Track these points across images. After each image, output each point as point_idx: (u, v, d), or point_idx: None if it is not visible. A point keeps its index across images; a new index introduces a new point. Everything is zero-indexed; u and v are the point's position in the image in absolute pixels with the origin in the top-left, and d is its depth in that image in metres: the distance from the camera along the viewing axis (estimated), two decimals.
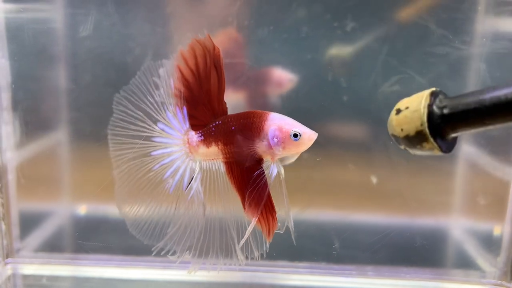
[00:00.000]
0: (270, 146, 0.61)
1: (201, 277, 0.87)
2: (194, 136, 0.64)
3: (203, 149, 0.63)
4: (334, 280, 0.85)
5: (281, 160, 0.63)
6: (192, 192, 0.64)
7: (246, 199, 0.61)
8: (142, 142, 0.65)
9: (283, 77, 0.79)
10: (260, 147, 0.61)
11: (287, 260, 0.87)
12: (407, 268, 0.86)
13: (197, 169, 0.64)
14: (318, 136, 0.63)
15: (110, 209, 0.88)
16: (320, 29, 0.78)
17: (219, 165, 0.64)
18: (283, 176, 0.63)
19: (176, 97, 0.62)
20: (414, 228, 0.87)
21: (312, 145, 0.63)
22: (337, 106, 0.80)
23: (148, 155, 0.65)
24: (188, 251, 0.65)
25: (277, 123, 0.60)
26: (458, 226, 0.88)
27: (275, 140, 0.60)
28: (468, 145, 0.85)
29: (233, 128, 0.61)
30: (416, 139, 0.43)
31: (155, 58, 0.79)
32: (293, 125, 0.61)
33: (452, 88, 0.80)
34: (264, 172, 0.61)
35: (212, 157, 0.64)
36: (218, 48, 0.61)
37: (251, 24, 0.78)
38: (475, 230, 0.88)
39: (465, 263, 0.87)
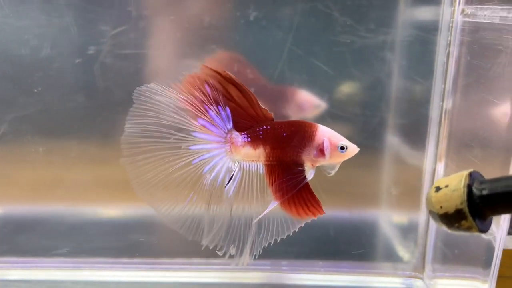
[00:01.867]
0: (317, 155, 0.65)
1: (113, 277, 0.85)
2: (238, 137, 0.65)
3: (248, 150, 0.66)
4: (248, 276, 0.84)
5: (330, 168, 0.67)
6: (232, 190, 0.66)
7: (286, 197, 0.65)
8: (177, 133, 0.65)
9: (309, 101, 0.78)
10: (308, 155, 0.65)
11: (203, 257, 0.85)
12: (324, 261, 0.84)
13: (237, 168, 0.66)
14: None
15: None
16: (223, 18, 0.75)
17: (259, 166, 0.66)
18: None
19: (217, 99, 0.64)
20: (332, 220, 0.85)
21: None
22: None
23: (187, 148, 0.65)
24: (232, 245, 0.67)
25: (327, 134, 0.65)
26: (385, 218, 0.87)
27: (327, 150, 0.65)
28: (392, 136, 0.83)
29: (284, 134, 0.65)
30: (455, 217, 0.46)
31: (53, 49, 0.77)
32: (339, 138, 0.66)
33: (359, 76, 0.78)
34: (303, 176, 0.66)
35: (253, 159, 0.66)
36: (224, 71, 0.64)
37: (149, 14, 0.75)
38: (398, 222, 0.87)
39: (387, 255, 0.86)
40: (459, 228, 0.46)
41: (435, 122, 0.77)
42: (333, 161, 0.66)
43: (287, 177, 0.65)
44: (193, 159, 0.66)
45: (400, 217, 0.87)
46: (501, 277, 0.88)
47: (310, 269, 0.84)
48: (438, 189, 0.47)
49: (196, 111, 0.64)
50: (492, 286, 0.59)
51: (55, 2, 0.75)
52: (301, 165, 0.66)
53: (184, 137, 0.65)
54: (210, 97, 0.64)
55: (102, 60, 0.76)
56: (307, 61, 0.76)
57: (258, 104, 0.65)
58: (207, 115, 0.65)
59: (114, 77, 0.78)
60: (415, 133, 0.81)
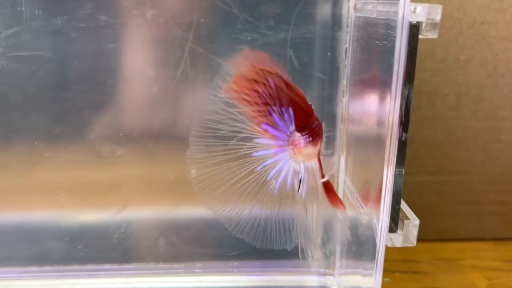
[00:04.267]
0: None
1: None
2: (301, 138, 0.63)
3: (310, 149, 0.63)
4: (161, 281, 0.82)
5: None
6: (303, 192, 0.65)
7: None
8: (236, 142, 0.63)
9: None
10: None
11: (114, 263, 0.83)
12: (238, 261, 0.83)
13: (303, 170, 0.64)
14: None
15: None
16: (120, 17, 0.73)
17: (315, 163, 0.65)
18: None
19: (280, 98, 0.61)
20: None
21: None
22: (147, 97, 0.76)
23: (249, 156, 0.63)
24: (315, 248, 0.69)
25: None
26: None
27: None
28: None
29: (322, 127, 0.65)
30: None
31: None
32: None
33: None
34: None
35: (311, 157, 0.64)
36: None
37: (44, 13, 0.72)
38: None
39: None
40: None
41: (340, 118, 0.77)
42: None
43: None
44: (255, 167, 0.63)
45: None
46: (420, 273, 0.90)
47: (223, 270, 0.83)
48: None
49: (259, 115, 0.61)
50: (376, 280, 0.59)
51: None
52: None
53: (246, 144, 0.63)
54: (273, 98, 0.61)
55: None
56: (209, 60, 0.75)
57: (306, 100, 0.63)
58: (270, 118, 0.62)
59: (9, 80, 0.75)
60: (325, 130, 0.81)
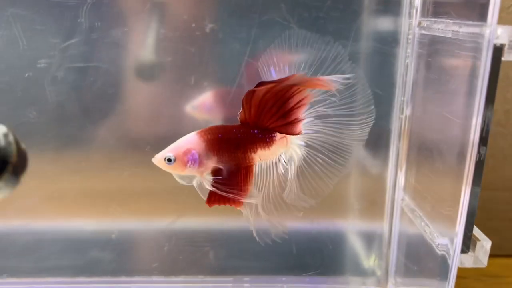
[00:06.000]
0: None
1: None
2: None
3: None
4: None
5: None
6: None
7: None
8: None
9: None
10: None
11: (163, 275, 0.83)
12: (287, 276, 0.83)
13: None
14: None
15: None
16: (178, 30, 0.73)
17: None
18: None
19: None
20: (305, 233, 0.84)
21: None
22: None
23: None
24: None
25: None
26: (348, 230, 0.86)
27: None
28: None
29: None
30: None
31: (1, 62, 0.74)
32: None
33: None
34: None
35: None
36: None
37: (103, 25, 0.72)
38: (362, 233, 0.86)
39: (352, 268, 0.85)
40: None
41: (396, 133, 0.77)
42: None
43: None
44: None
45: (364, 229, 0.87)
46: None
47: (273, 285, 0.82)
48: None
49: None
50: None
51: (1, 13, 0.72)
52: None
53: None
54: None
55: (53, 74, 0.73)
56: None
57: None
58: None
59: (66, 91, 0.75)
60: (377, 145, 0.80)
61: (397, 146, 0.76)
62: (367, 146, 0.81)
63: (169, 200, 0.81)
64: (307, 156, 0.67)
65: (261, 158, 0.65)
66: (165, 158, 0.62)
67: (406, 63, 0.72)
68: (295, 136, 0.65)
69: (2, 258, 0.82)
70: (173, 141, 0.68)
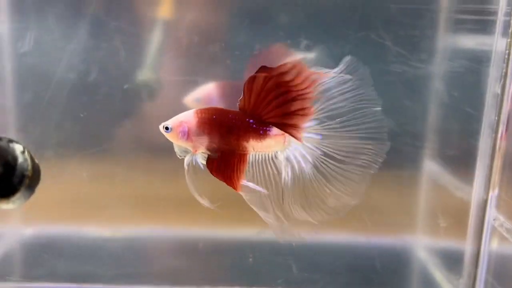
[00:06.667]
0: None
1: None
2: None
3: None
4: None
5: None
6: None
7: None
8: None
9: None
10: None
11: (245, 285, 0.84)
12: None
13: None
14: None
15: (60, 231, 0.84)
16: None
17: None
18: None
19: None
20: (375, 249, 0.84)
21: None
22: None
23: None
24: None
25: None
26: (422, 247, 0.86)
27: None
28: (431, 162, 0.83)
29: None
30: None
31: (100, 74, 0.76)
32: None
33: (410, 106, 0.78)
34: None
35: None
36: None
37: (202, 40, 0.74)
38: (439, 250, 0.86)
39: (428, 286, 0.84)
40: None
41: (486, 153, 0.77)
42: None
43: None
44: None
45: (442, 248, 0.86)
46: None
47: None
48: None
49: None
50: None
51: (104, 26, 0.74)
52: None
53: None
54: None
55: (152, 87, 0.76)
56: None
57: None
58: None
59: (159, 104, 0.77)
60: (462, 164, 0.80)
61: (487, 165, 0.76)
62: (451, 164, 0.81)
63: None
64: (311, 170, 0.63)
65: (255, 149, 0.64)
66: (164, 126, 0.64)
67: (503, 83, 0.72)
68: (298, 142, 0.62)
69: (90, 264, 0.84)
70: None
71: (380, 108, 0.60)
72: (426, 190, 0.85)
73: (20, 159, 0.59)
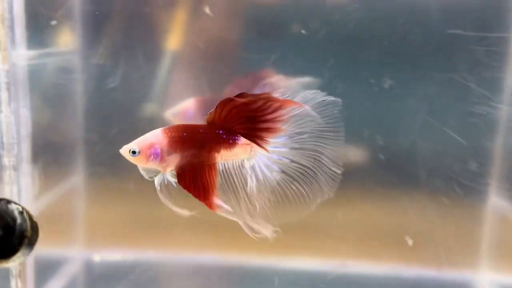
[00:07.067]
0: None
1: None
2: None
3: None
4: None
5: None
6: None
7: None
8: None
9: None
10: None
11: None
12: None
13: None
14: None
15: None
16: (356, 85, 0.76)
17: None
18: None
19: None
20: (442, 282, 0.84)
21: None
22: (374, 165, 0.78)
23: None
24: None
25: None
26: (487, 282, 0.86)
27: None
28: (496, 197, 0.83)
29: None
30: None
31: None
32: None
33: (491, 148, 0.78)
34: None
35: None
36: None
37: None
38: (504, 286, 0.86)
39: None
40: None
41: None
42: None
43: None
44: None
45: (504, 281, 0.86)
46: None
47: None
48: None
49: None
50: None
51: (193, 65, 0.76)
52: None
53: None
54: None
55: None
56: (441, 132, 0.76)
57: None
58: None
59: None
60: None
61: None
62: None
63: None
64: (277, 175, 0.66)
65: (223, 157, 0.65)
66: (130, 150, 0.63)
67: None
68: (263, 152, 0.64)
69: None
70: None
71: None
72: (490, 221, 0.85)
73: (19, 220, 0.62)
